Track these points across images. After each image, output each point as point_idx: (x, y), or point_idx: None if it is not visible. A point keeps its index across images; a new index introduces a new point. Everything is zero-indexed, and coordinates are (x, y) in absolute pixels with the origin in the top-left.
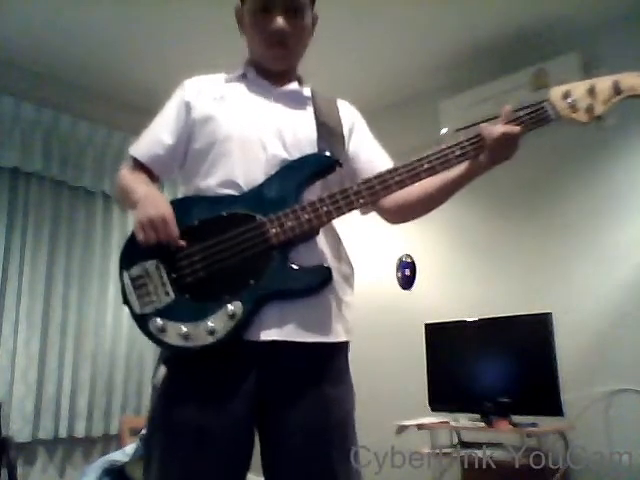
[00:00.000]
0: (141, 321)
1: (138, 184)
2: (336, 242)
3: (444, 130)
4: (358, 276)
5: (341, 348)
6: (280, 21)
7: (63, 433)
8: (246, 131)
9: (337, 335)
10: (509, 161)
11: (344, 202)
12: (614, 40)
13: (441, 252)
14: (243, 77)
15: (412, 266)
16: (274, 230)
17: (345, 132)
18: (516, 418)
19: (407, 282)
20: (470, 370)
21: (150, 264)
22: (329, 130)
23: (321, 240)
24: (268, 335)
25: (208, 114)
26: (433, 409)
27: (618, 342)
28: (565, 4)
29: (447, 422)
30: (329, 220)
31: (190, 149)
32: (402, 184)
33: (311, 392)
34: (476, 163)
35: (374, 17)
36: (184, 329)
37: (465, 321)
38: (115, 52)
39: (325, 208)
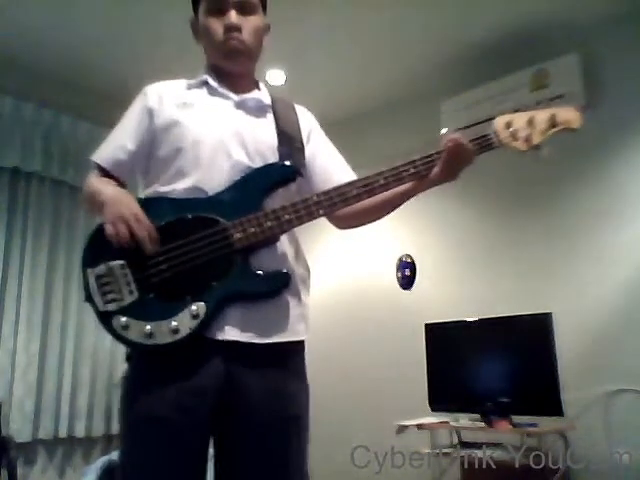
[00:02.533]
0: (104, 318)
1: (104, 186)
2: (295, 246)
3: (445, 130)
4: (359, 276)
5: (299, 347)
6: (234, 15)
7: (63, 433)
8: (211, 137)
9: (297, 334)
10: (509, 161)
11: (305, 212)
12: (614, 40)
13: (441, 252)
14: (204, 84)
15: (412, 266)
16: (238, 235)
17: (304, 139)
18: (516, 418)
19: (407, 282)
20: (470, 370)
21: (115, 263)
22: (289, 138)
23: (282, 245)
24: (230, 335)
25: (172, 120)
26: (433, 409)
27: (618, 342)
28: (565, 4)
29: (447, 422)
30: (290, 228)
31: (154, 155)
32: (359, 198)
33: (272, 389)
34: (425, 180)
35: (374, 17)
36: (148, 327)
37: (465, 321)
38: (115, 52)
39: (287, 216)
